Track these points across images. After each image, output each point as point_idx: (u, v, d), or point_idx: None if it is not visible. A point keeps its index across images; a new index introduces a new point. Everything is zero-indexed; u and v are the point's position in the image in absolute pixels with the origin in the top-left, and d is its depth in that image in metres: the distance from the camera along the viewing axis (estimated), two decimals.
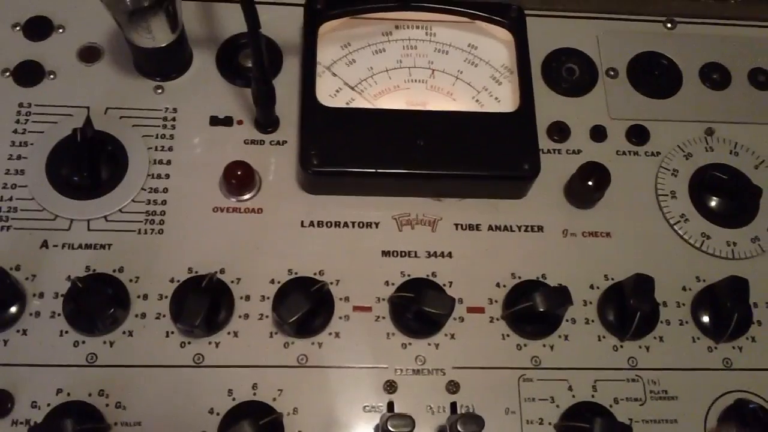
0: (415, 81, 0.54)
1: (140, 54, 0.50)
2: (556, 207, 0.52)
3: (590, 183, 0.51)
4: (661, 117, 0.56)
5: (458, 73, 0.54)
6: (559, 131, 0.55)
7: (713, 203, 0.53)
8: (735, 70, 0.58)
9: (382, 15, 0.55)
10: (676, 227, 0.52)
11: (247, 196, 0.49)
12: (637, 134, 0.55)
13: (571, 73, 0.57)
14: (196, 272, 0.47)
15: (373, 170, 0.49)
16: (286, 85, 0.53)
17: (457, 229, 0.51)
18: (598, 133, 0.55)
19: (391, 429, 0.41)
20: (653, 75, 0.57)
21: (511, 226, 0.51)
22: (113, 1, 0.45)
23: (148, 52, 0.49)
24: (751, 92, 0.58)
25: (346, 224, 0.50)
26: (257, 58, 0.45)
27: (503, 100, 0.54)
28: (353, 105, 0.52)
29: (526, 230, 0.51)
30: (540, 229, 0.51)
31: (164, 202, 0.49)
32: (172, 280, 0.47)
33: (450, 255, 0.50)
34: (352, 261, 0.49)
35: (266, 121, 0.51)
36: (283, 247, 0.49)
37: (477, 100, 0.54)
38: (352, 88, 0.53)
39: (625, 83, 0.57)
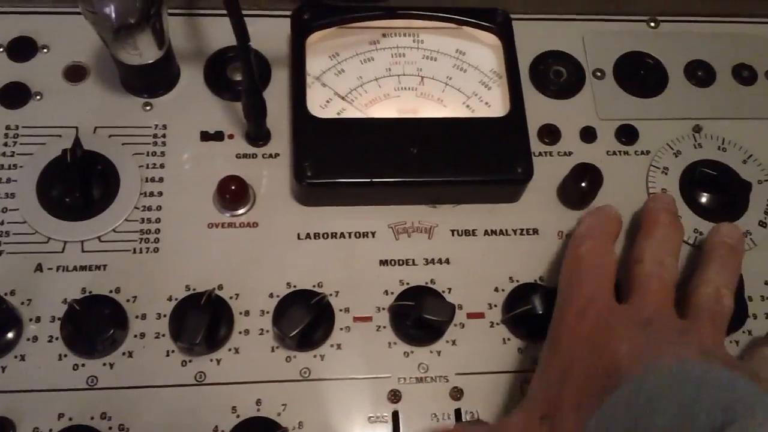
0: (405, 89, 0.54)
1: (127, 71, 0.50)
2: (550, 209, 0.52)
3: (583, 184, 0.51)
4: (649, 116, 0.56)
5: (447, 79, 0.55)
6: (550, 133, 0.55)
7: (704, 199, 0.54)
8: (719, 66, 0.59)
9: (369, 24, 0.55)
10: None
11: (241, 211, 0.49)
12: (626, 134, 0.55)
13: (559, 75, 0.57)
14: (194, 289, 0.47)
15: (368, 180, 0.49)
16: (275, 97, 0.52)
17: (453, 235, 0.51)
18: (588, 134, 0.55)
19: None
20: (639, 74, 0.58)
21: (506, 230, 0.51)
22: (98, 19, 0.45)
23: (135, 70, 0.49)
24: (736, 88, 0.58)
25: (342, 235, 0.50)
26: (247, 72, 0.45)
27: (493, 104, 0.54)
28: (344, 115, 0.52)
29: (521, 233, 0.51)
30: (535, 231, 0.52)
31: (158, 220, 0.48)
32: (170, 299, 0.46)
33: (448, 261, 0.50)
34: (351, 271, 0.48)
35: (257, 135, 0.51)
36: (281, 260, 0.48)
37: (467, 106, 0.54)
38: (343, 98, 0.53)
39: (612, 84, 0.57)
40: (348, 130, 0.50)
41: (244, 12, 0.51)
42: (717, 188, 0.54)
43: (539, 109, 0.55)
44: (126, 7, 0.44)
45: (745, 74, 0.59)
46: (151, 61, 0.49)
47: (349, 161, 0.49)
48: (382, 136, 0.50)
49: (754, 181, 0.54)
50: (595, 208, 0.50)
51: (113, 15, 0.44)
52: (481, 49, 0.56)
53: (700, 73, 0.58)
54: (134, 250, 0.48)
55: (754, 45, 0.60)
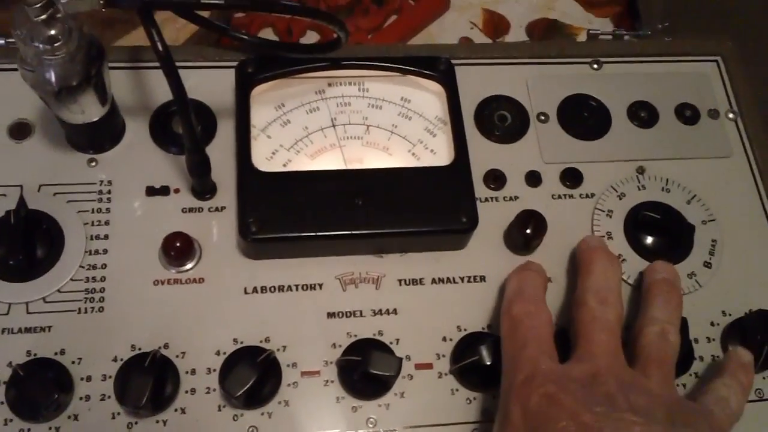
0: (351, 138, 0.54)
1: (71, 129, 0.50)
2: (497, 255, 0.53)
3: (528, 231, 0.52)
4: (593, 158, 0.57)
5: (393, 127, 0.55)
6: (495, 179, 0.55)
7: (649, 242, 0.55)
8: (662, 106, 0.60)
9: (314, 74, 0.55)
10: None
11: (188, 266, 0.49)
12: (571, 177, 0.56)
13: (504, 119, 0.58)
14: (140, 349, 0.47)
15: (314, 234, 0.49)
16: (222, 149, 0.53)
17: (401, 284, 0.51)
18: (533, 179, 0.56)
19: None
20: (583, 117, 0.59)
21: (453, 278, 0.52)
22: (39, 83, 0.45)
23: (79, 128, 0.49)
24: (679, 128, 0.59)
25: (289, 288, 0.50)
26: (188, 131, 0.45)
27: (439, 151, 0.54)
28: (290, 166, 0.53)
29: (468, 281, 0.52)
30: (482, 278, 0.52)
31: (103, 279, 0.48)
32: (115, 359, 0.46)
33: (395, 312, 0.50)
34: (298, 325, 0.49)
35: (203, 189, 0.51)
36: (227, 316, 0.48)
37: (413, 154, 0.54)
38: (288, 150, 0.53)
39: (556, 127, 0.58)
40: (293, 183, 0.50)
41: (190, 63, 0.52)
42: (661, 231, 0.54)
43: (485, 154, 0.56)
44: (66, 71, 0.44)
45: (687, 113, 0.60)
46: (95, 119, 0.49)
47: (295, 215, 0.49)
48: (326, 188, 0.50)
49: (698, 222, 0.55)
50: (519, 266, 0.51)
51: (53, 79, 0.44)
52: (426, 96, 0.56)
53: (642, 114, 0.59)
54: (79, 310, 0.47)
55: (696, 84, 0.61)
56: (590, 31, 0.62)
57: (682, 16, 0.83)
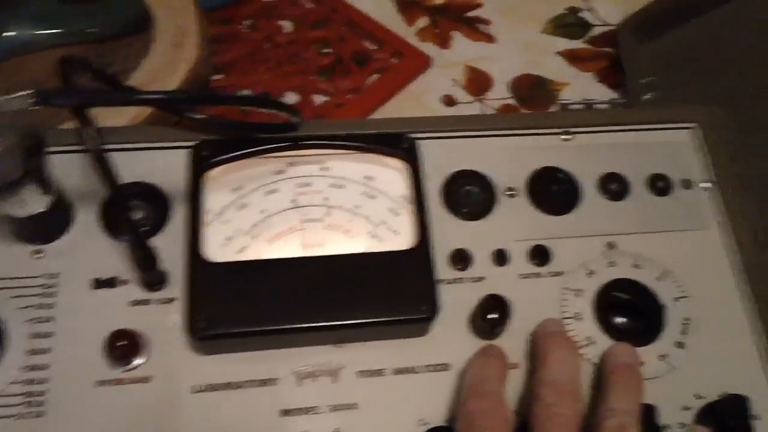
0: (311, 220, 0.53)
1: (14, 223, 0.48)
2: (462, 340, 0.51)
3: (491, 317, 0.50)
4: (562, 234, 0.56)
5: (355, 207, 0.53)
6: (461, 259, 0.54)
7: (619, 322, 0.53)
8: (633, 177, 0.58)
9: (273, 154, 0.54)
10: (582, 351, 0.51)
11: (134, 364, 0.47)
12: (539, 255, 0.54)
13: (471, 195, 0.56)
14: None
15: (268, 328, 0.47)
16: (174, 235, 0.51)
17: (360, 376, 0.49)
18: (501, 257, 0.54)
19: None
20: (552, 191, 0.57)
21: (415, 367, 0.50)
22: None
23: (22, 221, 0.47)
24: (651, 200, 0.58)
25: (241, 385, 0.48)
26: (128, 227, 0.44)
27: (402, 232, 0.53)
28: (245, 252, 0.51)
29: (431, 370, 0.50)
30: (446, 367, 0.50)
31: (45, 381, 0.46)
32: None
33: (354, 406, 0.48)
34: (250, 425, 0.47)
35: (151, 281, 0.49)
36: (174, 418, 0.46)
37: (375, 235, 0.53)
38: (245, 235, 0.51)
39: (525, 202, 0.56)
40: (245, 274, 0.48)
41: (146, 144, 0.50)
42: (630, 311, 0.53)
43: (451, 232, 0.54)
44: (3, 168, 0.43)
45: (659, 184, 0.58)
46: (38, 211, 0.47)
47: (247, 309, 0.47)
48: (281, 278, 0.48)
49: (669, 299, 0.54)
50: (479, 350, 0.49)
51: None
52: (390, 174, 0.55)
53: (613, 186, 0.58)
54: (18, 415, 0.45)
55: (670, 152, 0.59)
56: (561, 102, 0.60)
57: (669, 71, 0.82)
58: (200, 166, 0.51)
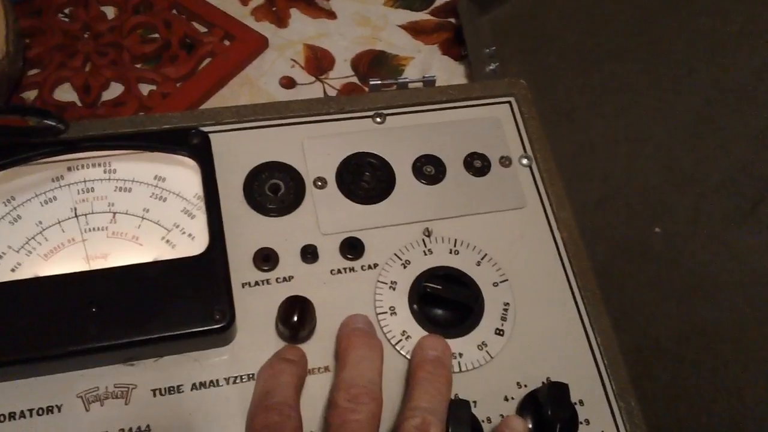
0: (94, 230, 0.48)
1: None
2: (270, 347, 0.48)
3: (294, 320, 0.47)
4: (376, 224, 0.53)
5: (144, 212, 0.49)
6: (266, 259, 0.50)
7: (435, 314, 0.51)
8: (449, 158, 0.56)
9: (51, 159, 0.49)
10: (398, 347, 0.49)
11: None
12: (351, 248, 0.52)
13: (277, 189, 0.53)
14: None
15: (39, 356, 0.43)
16: None
17: (155, 395, 0.45)
18: (310, 254, 0.51)
19: None
20: (365, 178, 0.54)
21: (217, 381, 0.47)
22: None
23: None
24: (468, 180, 0.56)
25: (22, 414, 0.43)
26: None
27: (198, 235, 0.49)
28: (20, 271, 0.46)
29: (235, 382, 0.47)
30: (252, 377, 0.47)
31: None
32: None
33: (148, 429, 0.44)
34: None
35: None
36: None
37: (167, 241, 0.49)
38: (18, 251, 0.47)
39: (335, 192, 0.53)
40: (13, 296, 0.44)
41: None
42: (445, 302, 0.50)
43: (255, 231, 0.51)
44: None
45: (477, 164, 0.56)
46: None
47: (16, 335, 0.43)
48: (54, 298, 0.44)
49: (489, 284, 0.52)
50: (273, 355, 0.46)
51: None
52: (184, 173, 0.51)
53: (428, 169, 0.55)
54: None
55: (487, 130, 0.58)
56: (371, 82, 0.57)
57: (507, 42, 0.80)
58: None
